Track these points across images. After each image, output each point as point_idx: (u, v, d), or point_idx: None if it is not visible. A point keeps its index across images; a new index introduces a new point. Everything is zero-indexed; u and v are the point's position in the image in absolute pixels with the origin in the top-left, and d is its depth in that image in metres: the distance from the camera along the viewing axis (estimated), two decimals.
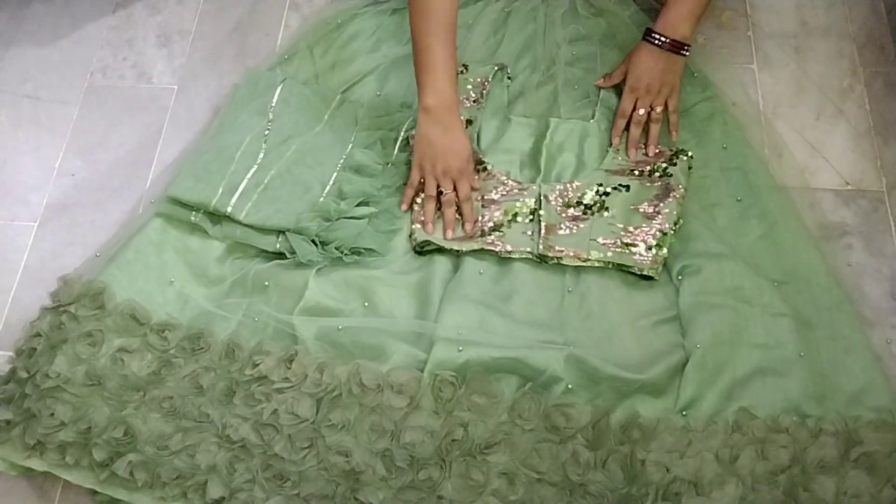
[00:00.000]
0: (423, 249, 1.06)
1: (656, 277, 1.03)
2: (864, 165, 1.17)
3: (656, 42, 1.10)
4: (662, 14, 1.11)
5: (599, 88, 1.19)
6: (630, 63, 1.13)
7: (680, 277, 1.03)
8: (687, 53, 1.11)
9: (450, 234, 1.05)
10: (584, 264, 1.04)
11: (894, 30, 1.28)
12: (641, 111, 1.12)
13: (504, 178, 1.10)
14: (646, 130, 1.13)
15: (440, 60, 1.05)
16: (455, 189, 1.07)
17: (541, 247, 1.03)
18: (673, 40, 1.09)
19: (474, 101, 1.18)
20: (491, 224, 1.06)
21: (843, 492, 0.87)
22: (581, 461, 0.90)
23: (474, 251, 1.05)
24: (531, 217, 1.07)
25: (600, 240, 1.04)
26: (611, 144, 1.13)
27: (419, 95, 1.07)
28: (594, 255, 1.03)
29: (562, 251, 1.04)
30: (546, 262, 1.04)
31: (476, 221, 1.06)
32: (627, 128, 1.13)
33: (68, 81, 1.33)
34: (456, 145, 1.06)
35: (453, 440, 0.91)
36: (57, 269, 1.09)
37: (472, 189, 1.08)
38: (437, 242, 1.05)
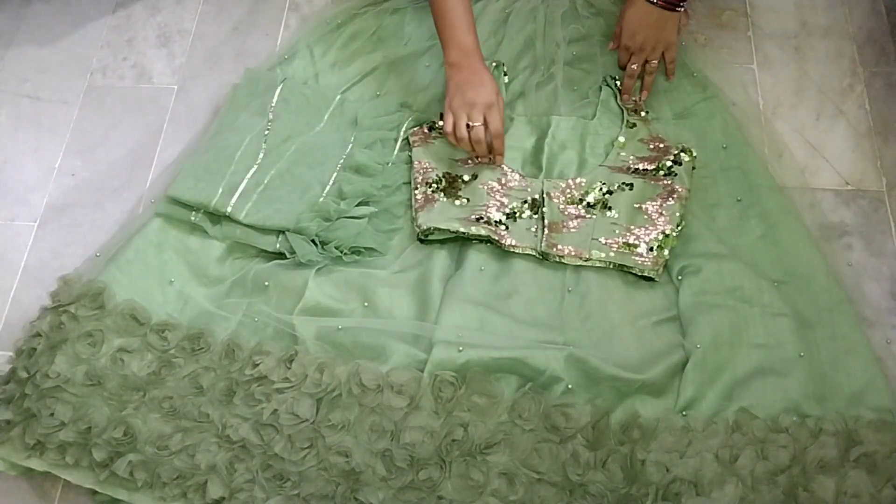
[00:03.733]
0: (427, 237, 1.06)
1: (657, 279, 1.03)
2: (864, 165, 1.17)
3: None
4: None
5: (600, 88, 1.18)
6: (623, 20, 1.13)
7: (680, 277, 1.03)
8: (682, 9, 1.11)
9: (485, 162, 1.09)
10: (585, 263, 1.04)
11: (894, 30, 1.28)
12: (635, 66, 1.14)
13: (510, 171, 1.10)
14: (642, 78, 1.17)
15: (457, 12, 1.08)
16: (485, 123, 1.06)
17: (543, 244, 1.03)
18: None
19: None
20: (498, 217, 1.06)
21: (843, 492, 0.87)
22: (581, 461, 0.90)
23: (479, 240, 1.05)
24: (535, 214, 1.07)
25: (602, 239, 1.04)
26: (624, 122, 1.13)
27: (444, 52, 1.09)
28: (595, 254, 1.03)
29: (564, 250, 1.04)
30: (547, 260, 1.04)
31: (501, 157, 1.09)
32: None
33: (68, 81, 1.33)
34: (484, 82, 1.07)
35: (453, 440, 0.91)
36: (57, 269, 1.09)
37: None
38: (443, 226, 1.04)
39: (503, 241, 1.04)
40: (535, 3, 1.27)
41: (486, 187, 1.08)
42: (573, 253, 1.04)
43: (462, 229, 1.04)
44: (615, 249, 1.03)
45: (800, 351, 0.96)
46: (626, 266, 1.03)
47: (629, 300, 1.02)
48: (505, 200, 1.08)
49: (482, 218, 1.05)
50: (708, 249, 1.04)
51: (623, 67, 1.17)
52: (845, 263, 1.08)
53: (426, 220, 1.06)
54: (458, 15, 1.09)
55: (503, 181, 1.09)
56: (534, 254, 1.04)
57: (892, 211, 1.13)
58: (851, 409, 0.93)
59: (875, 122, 1.21)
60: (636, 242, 1.04)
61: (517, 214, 1.07)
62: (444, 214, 1.06)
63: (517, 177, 1.10)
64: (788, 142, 1.18)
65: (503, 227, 1.05)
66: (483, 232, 1.04)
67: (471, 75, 1.07)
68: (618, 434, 0.92)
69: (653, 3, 1.09)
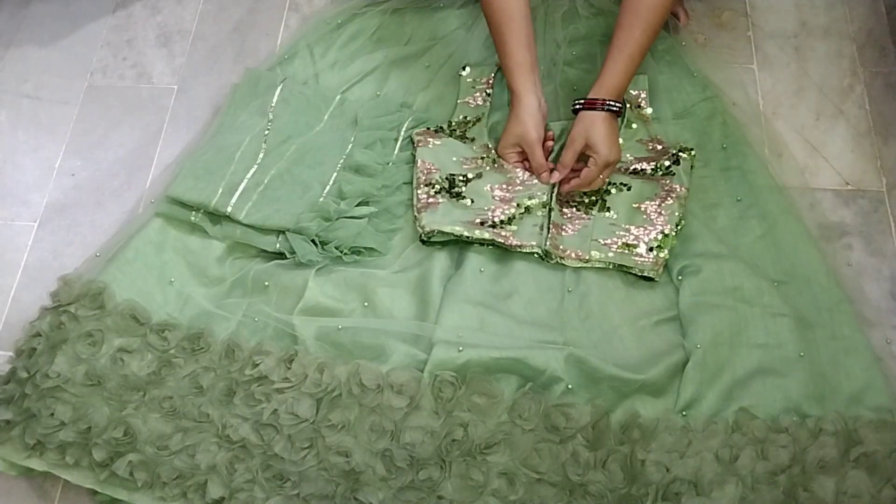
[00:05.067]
0: (429, 239, 1.06)
1: (657, 279, 1.03)
2: (864, 165, 1.17)
3: (613, 108, 1.05)
4: (602, 79, 1.07)
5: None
6: (594, 137, 1.05)
7: (680, 277, 1.03)
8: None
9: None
10: (584, 265, 1.04)
11: (894, 30, 1.28)
12: (606, 180, 1.08)
13: (514, 174, 1.10)
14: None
15: (503, 45, 1.11)
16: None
17: (548, 243, 1.03)
18: (620, 105, 1.06)
19: (481, 101, 1.18)
20: (503, 217, 1.06)
21: (843, 492, 0.87)
22: (581, 461, 0.90)
23: (482, 242, 1.05)
24: (542, 210, 1.06)
25: (601, 240, 1.04)
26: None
27: (513, 97, 1.11)
28: (595, 255, 1.03)
29: (565, 251, 1.04)
30: (548, 261, 1.04)
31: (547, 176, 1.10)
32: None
33: (68, 81, 1.33)
34: (519, 120, 1.09)
35: (453, 440, 0.91)
36: (57, 269, 1.09)
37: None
38: (446, 230, 1.04)
39: (507, 243, 1.04)
40: (535, 3, 1.26)
41: (489, 189, 1.08)
42: (574, 255, 1.03)
43: (466, 233, 1.04)
44: (614, 250, 1.03)
45: (800, 351, 0.96)
46: (626, 266, 1.03)
47: (629, 300, 1.02)
48: (509, 203, 1.07)
49: (486, 221, 1.05)
50: (708, 249, 1.04)
51: (590, 186, 1.07)
52: (845, 263, 1.08)
53: (430, 221, 1.05)
54: (504, 51, 1.10)
55: (506, 183, 1.09)
56: (538, 251, 1.04)
57: (892, 211, 1.13)
58: (851, 409, 0.93)
59: (875, 122, 1.21)
60: (635, 243, 1.04)
61: (526, 210, 1.06)
62: (448, 217, 1.06)
63: (520, 179, 1.10)
64: (788, 142, 1.18)
65: (508, 227, 1.05)
66: (487, 236, 1.03)
67: (511, 115, 1.11)
68: (618, 434, 0.92)
69: (613, 112, 1.05)
